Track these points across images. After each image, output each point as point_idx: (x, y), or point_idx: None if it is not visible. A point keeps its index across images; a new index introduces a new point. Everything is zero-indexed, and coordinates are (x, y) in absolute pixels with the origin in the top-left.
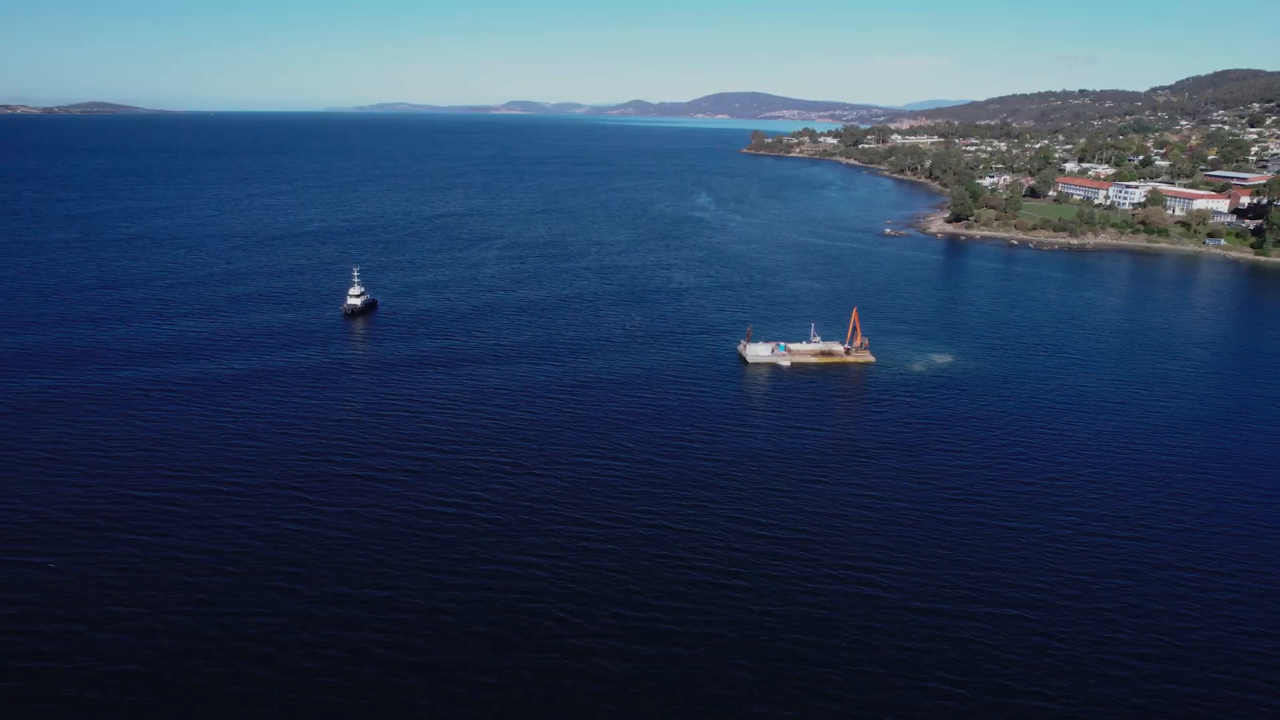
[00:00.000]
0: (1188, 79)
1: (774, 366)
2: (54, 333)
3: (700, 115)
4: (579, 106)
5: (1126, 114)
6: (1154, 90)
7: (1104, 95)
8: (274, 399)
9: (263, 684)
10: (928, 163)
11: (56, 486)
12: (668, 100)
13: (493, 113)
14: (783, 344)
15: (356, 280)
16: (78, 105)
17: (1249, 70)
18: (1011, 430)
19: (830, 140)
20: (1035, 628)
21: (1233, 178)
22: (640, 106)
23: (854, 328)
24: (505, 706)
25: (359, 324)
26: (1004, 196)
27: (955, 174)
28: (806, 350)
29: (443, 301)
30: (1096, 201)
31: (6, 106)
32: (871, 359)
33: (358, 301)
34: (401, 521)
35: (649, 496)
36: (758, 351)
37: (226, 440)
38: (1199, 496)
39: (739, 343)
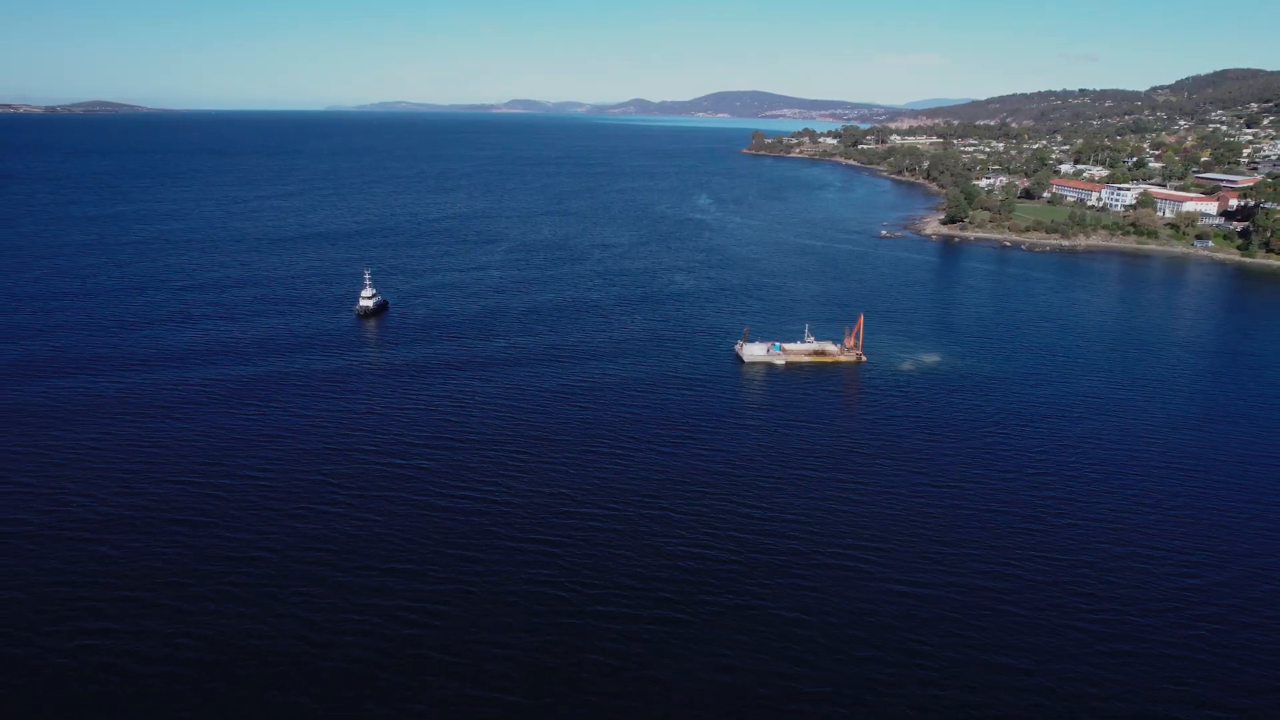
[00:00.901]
0: (1188, 78)
1: (769, 365)
2: (85, 334)
3: (701, 114)
4: (580, 105)
5: (1126, 114)
6: (1154, 90)
7: (1104, 95)
8: (299, 396)
9: (307, 642)
10: (925, 164)
11: (105, 473)
12: (669, 99)
13: (494, 111)
14: (778, 344)
15: (368, 282)
16: (79, 104)
17: (1249, 70)
18: (994, 426)
19: (830, 141)
20: (1004, 598)
21: (1222, 180)
22: (641, 105)
23: (856, 330)
24: (525, 665)
25: (372, 325)
26: (999, 198)
27: (952, 175)
28: (800, 350)
29: (452, 303)
30: (1089, 203)
31: (9, 106)
32: (863, 358)
33: (370, 303)
34: (427, 505)
35: (652, 483)
36: (754, 351)
37: (257, 434)
38: (1172, 490)
39: (736, 343)
